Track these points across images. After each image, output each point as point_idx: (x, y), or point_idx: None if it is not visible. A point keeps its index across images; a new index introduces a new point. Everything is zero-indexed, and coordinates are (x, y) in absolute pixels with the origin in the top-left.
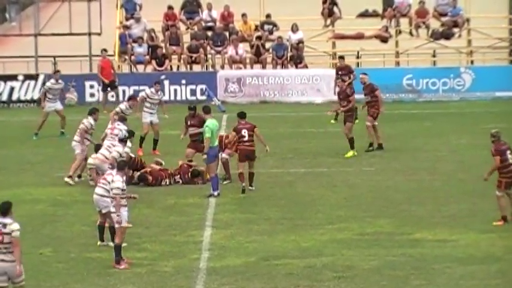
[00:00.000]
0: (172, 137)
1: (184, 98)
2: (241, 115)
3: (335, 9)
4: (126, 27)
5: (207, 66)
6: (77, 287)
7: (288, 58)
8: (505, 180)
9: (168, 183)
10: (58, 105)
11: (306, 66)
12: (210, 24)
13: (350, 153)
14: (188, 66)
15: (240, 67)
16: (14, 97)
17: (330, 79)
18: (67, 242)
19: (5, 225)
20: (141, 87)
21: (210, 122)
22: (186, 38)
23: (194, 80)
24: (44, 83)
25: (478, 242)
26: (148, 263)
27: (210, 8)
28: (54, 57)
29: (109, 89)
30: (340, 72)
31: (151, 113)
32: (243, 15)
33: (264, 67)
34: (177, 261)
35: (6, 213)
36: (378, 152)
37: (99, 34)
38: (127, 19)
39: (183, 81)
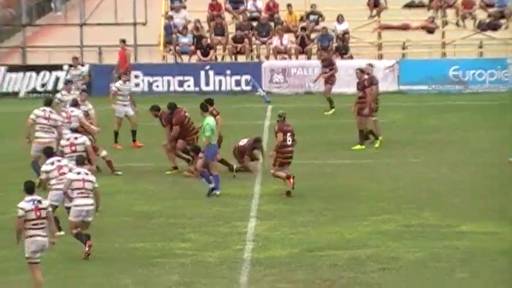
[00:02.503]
0: None
1: (228, 88)
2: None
3: None
4: (171, 18)
5: (251, 56)
6: (120, 278)
7: (333, 49)
8: None
9: None
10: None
11: (351, 57)
12: (255, 14)
13: (357, 147)
14: (233, 56)
15: (285, 58)
16: (59, 87)
17: (375, 70)
18: (110, 232)
19: (40, 201)
20: (186, 78)
21: (211, 120)
22: (231, 29)
23: (239, 71)
24: (89, 73)
25: None
26: (192, 253)
27: None
28: (99, 47)
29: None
30: (322, 64)
31: (124, 105)
32: (288, 5)
33: (309, 58)
34: (221, 251)
35: (33, 191)
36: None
37: (144, 24)
38: (172, 9)
39: (228, 72)
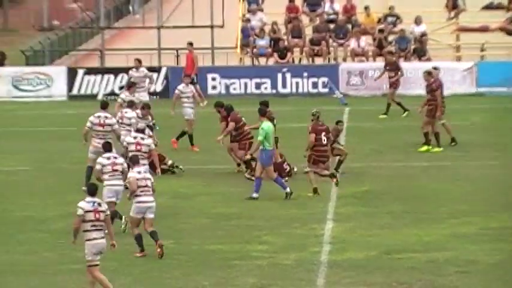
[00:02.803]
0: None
1: (306, 90)
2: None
3: (459, 1)
4: (248, 21)
5: (329, 58)
6: (198, 279)
7: (411, 51)
8: None
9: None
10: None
11: (429, 59)
12: (332, 17)
13: (424, 148)
14: (310, 58)
15: (362, 60)
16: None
17: (453, 72)
18: (188, 234)
19: (100, 204)
20: (263, 80)
21: (266, 124)
22: (308, 31)
23: (316, 73)
24: (166, 76)
25: None
26: (269, 255)
27: (332, 1)
28: (177, 49)
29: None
30: (387, 67)
31: (192, 108)
32: (366, 8)
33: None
34: (298, 254)
35: (95, 194)
36: (501, 146)
37: (221, 26)
38: (249, 12)
39: (305, 74)
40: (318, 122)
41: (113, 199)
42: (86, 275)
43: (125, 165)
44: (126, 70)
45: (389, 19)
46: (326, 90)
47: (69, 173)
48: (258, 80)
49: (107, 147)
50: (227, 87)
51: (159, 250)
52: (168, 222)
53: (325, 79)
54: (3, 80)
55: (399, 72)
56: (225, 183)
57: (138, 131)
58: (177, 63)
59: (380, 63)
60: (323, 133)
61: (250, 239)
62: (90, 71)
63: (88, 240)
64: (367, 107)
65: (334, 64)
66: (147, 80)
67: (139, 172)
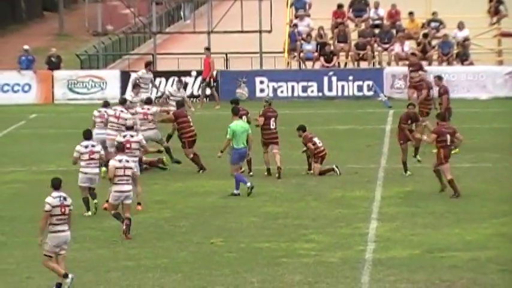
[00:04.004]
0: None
1: (351, 93)
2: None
3: (501, 7)
4: (295, 26)
5: (374, 63)
6: (246, 276)
7: (454, 55)
8: None
9: None
10: None
11: (471, 64)
12: (377, 22)
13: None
14: (355, 62)
15: (406, 64)
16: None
17: (495, 76)
18: (237, 232)
19: (65, 198)
20: (309, 83)
21: (234, 123)
22: (354, 36)
23: (361, 77)
24: (216, 79)
25: None
26: (315, 253)
27: (377, 7)
28: (226, 54)
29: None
30: (410, 69)
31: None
32: (410, 13)
33: (430, 64)
34: (343, 252)
35: (59, 187)
36: None
37: (269, 32)
38: (296, 17)
39: (350, 78)
40: (270, 108)
41: (86, 184)
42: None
43: (102, 152)
44: (177, 74)
45: (433, 24)
46: (371, 93)
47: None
48: (304, 84)
49: (87, 135)
50: (275, 90)
51: (124, 227)
52: (218, 221)
53: (370, 82)
54: (59, 83)
55: (422, 73)
56: (272, 183)
57: (128, 128)
58: (226, 67)
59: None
60: (272, 118)
61: (296, 237)
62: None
63: (53, 232)
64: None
65: (378, 68)
66: (150, 84)
67: (120, 160)
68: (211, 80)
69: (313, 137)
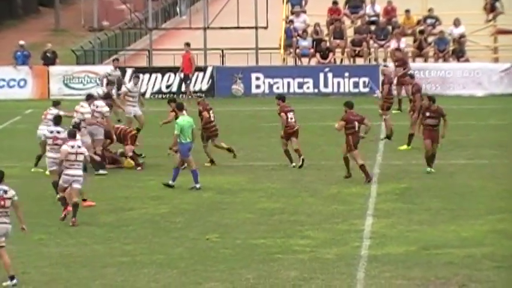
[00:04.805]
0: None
1: (347, 90)
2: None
3: (497, 4)
4: (291, 22)
5: (369, 59)
6: (242, 272)
7: (450, 52)
8: None
9: None
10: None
11: (467, 60)
12: (373, 18)
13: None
14: (351, 59)
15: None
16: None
17: (491, 73)
18: (233, 228)
19: (6, 192)
20: (305, 80)
21: (181, 119)
22: (350, 32)
23: (357, 73)
24: (212, 75)
25: None
26: (310, 249)
27: (373, 3)
28: (222, 50)
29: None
30: (396, 64)
31: (133, 106)
32: (407, 11)
33: (425, 61)
34: (339, 248)
35: (2, 180)
36: None
37: (265, 28)
38: (292, 13)
39: (346, 74)
40: (205, 102)
41: (54, 167)
42: None
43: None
44: (173, 69)
45: (429, 21)
46: (367, 89)
47: (118, 170)
48: (300, 80)
49: (55, 121)
50: (271, 86)
51: (63, 214)
52: (214, 217)
53: (366, 79)
54: (55, 78)
55: (406, 68)
56: (268, 179)
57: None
58: (222, 63)
59: (420, 63)
60: (211, 110)
61: (292, 233)
62: (138, 70)
63: None
64: (406, 106)
65: (374, 64)
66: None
67: (72, 146)
68: (190, 75)
69: (289, 110)
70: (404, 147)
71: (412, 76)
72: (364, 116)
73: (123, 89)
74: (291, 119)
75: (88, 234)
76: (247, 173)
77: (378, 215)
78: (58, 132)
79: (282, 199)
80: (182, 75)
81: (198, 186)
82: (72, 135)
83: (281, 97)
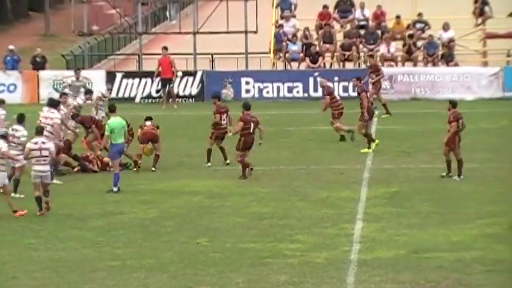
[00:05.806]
0: (325, 132)
1: (336, 94)
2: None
3: (486, 8)
4: (281, 26)
5: (359, 63)
6: (232, 276)
7: (439, 56)
8: None
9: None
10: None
11: (456, 65)
12: (362, 23)
13: (365, 149)
14: (341, 63)
15: (392, 65)
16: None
17: (480, 77)
18: (223, 232)
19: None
20: (295, 84)
21: (112, 120)
22: (339, 36)
23: (347, 77)
24: (202, 80)
25: None
26: (300, 254)
27: (362, 7)
28: (212, 54)
29: (168, 85)
30: (370, 70)
31: (103, 111)
32: (397, 17)
33: (415, 65)
34: (328, 252)
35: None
36: None
37: (255, 32)
38: (282, 18)
39: (336, 78)
40: (220, 105)
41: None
42: None
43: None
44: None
45: (418, 25)
46: (356, 94)
47: (108, 174)
48: (290, 84)
49: (18, 119)
50: (260, 90)
51: (39, 213)
52: (203, 221)
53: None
54: (45, 83)
55: (380, 74)
56: (258, 183)
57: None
58: (212, 68)
59: (409, 68)
60: (225, 114)
61: (282, 237)
62: (128, 75)
63: None
64: (396, 110)
65: (364, 69)
66: (82, 90)
67: (35, 143)
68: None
69: (224, 112)
70: (366, 150)
71: (358, 79)
72: (259, 120)
73: (97, 93)
74: (223, 120)
75: (78, 238)
76: (237, 177)
77: (368, 219)
78: (16, 130)
79: (272, 203)
80: (157, 79)
81: (115, 189)
82: (38, 132)
83: (216, 96)
